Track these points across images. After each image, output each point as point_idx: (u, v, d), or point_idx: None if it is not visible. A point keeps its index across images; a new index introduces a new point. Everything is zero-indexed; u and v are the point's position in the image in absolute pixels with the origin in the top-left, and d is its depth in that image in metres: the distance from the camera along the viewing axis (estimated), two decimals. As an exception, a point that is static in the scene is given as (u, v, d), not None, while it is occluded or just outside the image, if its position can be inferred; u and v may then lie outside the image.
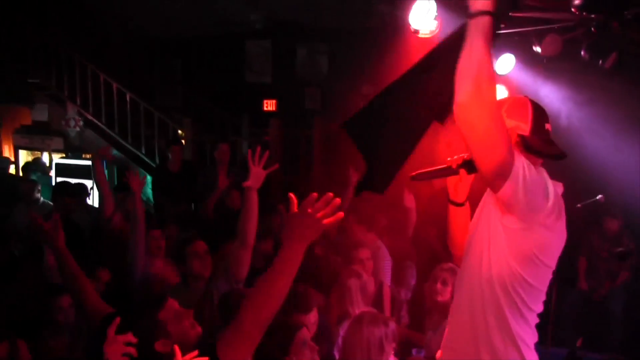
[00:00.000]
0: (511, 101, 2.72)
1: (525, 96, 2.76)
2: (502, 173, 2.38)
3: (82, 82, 12.07)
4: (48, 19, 12.35)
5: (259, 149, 4.38)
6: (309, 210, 2.58)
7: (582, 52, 6.23)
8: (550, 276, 2.70)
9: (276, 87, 13.01)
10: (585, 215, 6.66)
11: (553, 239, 2.62)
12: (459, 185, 3.03)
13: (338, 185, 7.42)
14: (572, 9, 4.91)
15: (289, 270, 2.67)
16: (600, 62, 6.09)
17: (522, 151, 2.58)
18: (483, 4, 2.26)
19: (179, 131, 11.52)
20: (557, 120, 6.84)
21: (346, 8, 10.67)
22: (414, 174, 2.97)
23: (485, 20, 2.26)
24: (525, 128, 2.64)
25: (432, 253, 6.69)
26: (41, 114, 12.74)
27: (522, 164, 2.40)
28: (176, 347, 2.61)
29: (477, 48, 2.24)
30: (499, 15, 2.43)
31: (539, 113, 2.69)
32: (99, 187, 6.43)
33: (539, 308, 2.72)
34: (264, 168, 4.38)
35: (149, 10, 12.26)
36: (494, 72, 2.31)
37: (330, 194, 2.60)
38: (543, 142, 2.65)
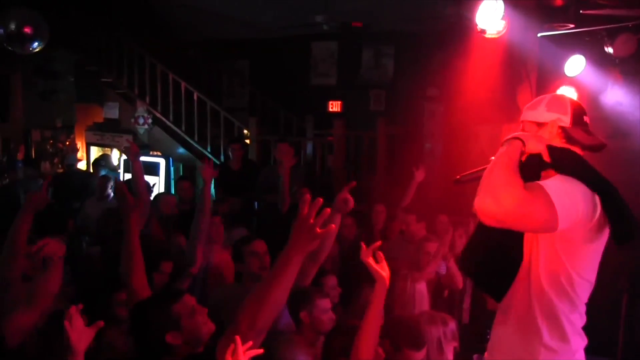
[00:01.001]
0: (550, 97, 2.81)
1: (563, 94, 2.94)
2: (550, 228, 2.43)
3: (152, 82, 12.17)
4: (120, 21, 12.54)
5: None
6: (306, 217, 2.60)
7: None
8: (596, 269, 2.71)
9: (341, 89, 12.88)
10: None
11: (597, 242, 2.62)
12: None
13: (401, 186, 7.25)
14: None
15: (285, 277, 2.68)
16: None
17: (563, 142, 2.68)
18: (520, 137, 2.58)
19: (245, 131, 11.45)
20: (633, 125, 6.43)
21: (412, 10, 10.47)
22: (457, 177, 2.91)
23: (512, 145, 2.57)
24: (566, 120, 2.71)
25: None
26: (112, 111, 12.98)
27: (560, 201, 2.38)
28: (237, 338, 2.55)
29: (492, 169, 2.48)
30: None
31: (578, 105, 2.78)
32: (135, 186, 5.73)
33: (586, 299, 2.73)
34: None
35: (216, 14, 12.30)
36: (512, 189, 2.38)
37: (320, 200, 2.64)
38: (584, 133, 2.71)
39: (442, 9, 8.48)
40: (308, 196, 2.64)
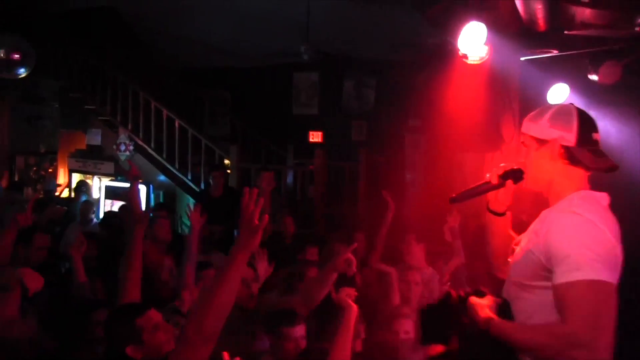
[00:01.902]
0: (555, 109, 2.45)
1: (571, 104, 2.48)
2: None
3: (134, 109, 11.98)
4: (104, 49, 12.46)
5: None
6: (249, 213, 2.51)
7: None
8: None
9: (323, 119, 12.75)
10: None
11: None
12: (501, 195, 2.72)
13: (380, 218, 7.00)
14: (637, 28, 4.32)
15: (229, 278, 2.58)
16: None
17: (565, 164, 2.40)
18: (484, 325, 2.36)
19: (225, 160, 11.21)
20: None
21: (393, 40, 10.33)
22: (453, 195, 2.67)
23: (494, 327, 2.35)
24: (570, 139, 2.38)
25: (479, 285, 6.11)
26: (95, 138, 12.91)
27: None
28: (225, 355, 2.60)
29: (517, 341, 2.30)
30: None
31: (586, 122, 2.40)
32: (132, 209, 5.71)
33: None
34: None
35: (199, 43, 12.21)
36: (548, 332, 2.23)
37: (255, 190, 2.53)
38: (590, 153, 2.39)
39: (423, 38, 8.32)
40: (253, 190, 2.54)
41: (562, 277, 2.20)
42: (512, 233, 2.74)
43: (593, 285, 2.14)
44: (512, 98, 6.66)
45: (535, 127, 2.45)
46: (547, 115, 2.42)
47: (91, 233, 6.92)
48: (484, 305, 2.42)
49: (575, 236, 2.21)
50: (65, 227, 8.43)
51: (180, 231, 9.94)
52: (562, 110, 2.43)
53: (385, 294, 5.29)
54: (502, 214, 2.73)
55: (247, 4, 10.67)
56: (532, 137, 2.46)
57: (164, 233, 6.29)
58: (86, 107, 12.61)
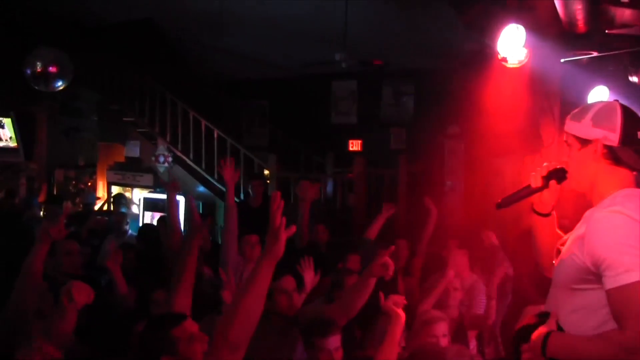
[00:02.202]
0: (598, 108, 2.37)
1: (616, 101, 2.40)
2: None
3: (173, 120, 12.20)
4: (143, 61, 12.67)
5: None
6: (276, 222, 2.55)
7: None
8: None
9: (361, 127, 12.86)
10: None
11: None
12: (545, 196, 2.65)
13: (422, 225, 7.05)
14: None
15: (255, 287, 2.63)
16: None
17: (609, 164, 2.33)
18: (542, 337, 2.28)
19: (265, 169, 11.33)
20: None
21: (430, 47, 10.39)
22: (499, 201, 2.61)
23: (551, 346, 2.26)
24: (613, 138, 2.30)
25: (524, 294, 6.10)
26: (134, 150, 13.09)
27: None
28: None
29: (577, 355, 2.24)
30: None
31: (631, 120, 2.32)
32: (171, 222, 5.89)
33: None
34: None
35: (237, 54, 12.41)
36: (610, 342, 2.16)
37: (279, 195, 2.60)
38: (635, 152, 2.31)
39: (461, 43, 8.36)
40: (279, 198, 2.60)
41: (613, 281, 2.14)
42: (560, 232, 2.69)
43: None
44: (552, 101, 6.68)
45: (578, 126, 2.38)
46: (590, 114, 2.36)
47: (128, 245, 7.05)
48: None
49: (620, 237, 2.15)
50: (103, 239, 8.58)
51: (220, 242, 10.06)
52: (606, 109, 2.36)
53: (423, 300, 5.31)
54: (547, 215, 2.69)
55: (284, 13, 10.84)
56: (574, 136, 2.41)
57: (203, 243, 6.37)
58: (124, 119, 12.84)
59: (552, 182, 2.57)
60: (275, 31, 11.66)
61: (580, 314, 2.28)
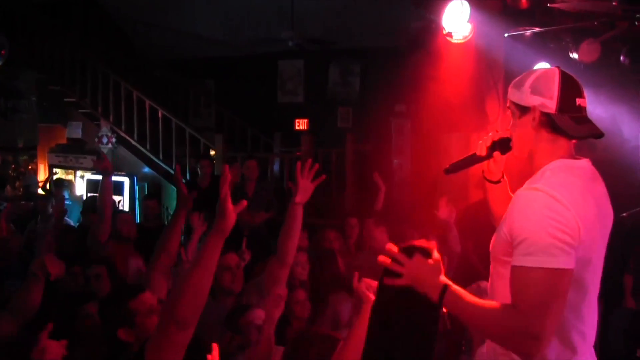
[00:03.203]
0: (537, 75, 2.39)
1: (557, 67, 2.41)
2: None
3: (116, 101, 12.10)
4: (85, 40, 12.55)
5: (309, 162, 4.03)
6: (223, 196, 2.51)
7: (622, 58, 5.93)
8: (596, 267, 2.38)
9: (308, 107, 12.96)
10: (632, 227, 6.24)
11: (583, 245, 2.24)
12: (492, 166, 2.74)
13: (370, 202, 7.24)
14: (614, 3, 4.63)
15: (204, 263, 2.54)
16: (642, 66, 5.80)
17: (548, 132, 2.34)
18: (434, 289, 2.25)
19: (211, 150, 11.39)
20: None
21: (377, 26, 10.56)
22: (447, 167, 2.71)
23: (450, 295, 2.25)
24: (550, 105, 2.31)
25: (470, 268, 6.30)
26: (75, 131, 12.88)
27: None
28: (215, 346, 2.58)
29: (468, 321, 2.35)
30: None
31: (569, 87, 2.34)
32: (101, 208, 5.46)
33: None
34: (312, 180, 4.00)
35: (181, 32, 12.40)
36: (504, 311, 2.21)
37: (227, 166, 2.59)
38: (572, 120, 2.33)
39: (407, 21, 8.56)
40: (228, 175, 2.55)
41: (518, 260, 2.20)
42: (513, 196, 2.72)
43: (547, 273, 2.13)
44: (496, 76, 6.91)
45: (518, 93, 2.40)
46: (529, 81, 2.37)
47: (67, 227, 7.10)
48: (435, 268, 2.30)
49: (533, 217, 2.19)
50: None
51: (167, 223, 10.10)
52: (545, 76, 2.37)
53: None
54: (497, 182, 2.77)
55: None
56: (515, 104, 2.43)
57: (127, 229, 6.09)
58: (66, 99, 12.66)
59: (496, 153, 2.64)
60: (222, 9, 11.72)
61: (503, 283, 2.31)
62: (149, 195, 9.55)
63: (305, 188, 3.96)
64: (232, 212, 2.50)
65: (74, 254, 5.46)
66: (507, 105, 2.49)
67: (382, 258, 2.31)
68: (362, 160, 10.49)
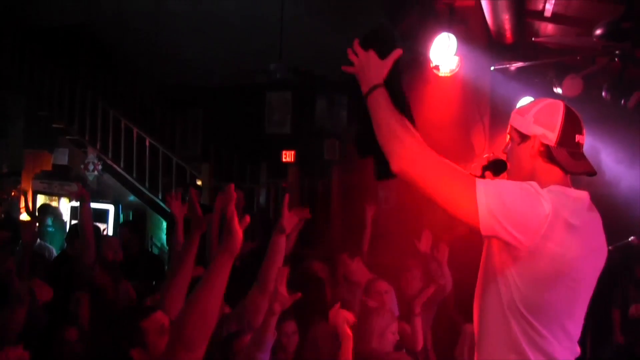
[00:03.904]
0: (543, 105, 2.47)
1: (562, 101, 2.50)
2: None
3: (104, 128, 12.19)
4: (75, 66, 12.65)
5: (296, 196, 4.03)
6: (230, 216, 2.49)
7: (604, 93, 6.11)
8: (580, 297, 2.42)
9: (295, 138, 13.09)
10: (619, 260, 6.37)
11: (565, 252, 2.29)
12: None
13: (356, 234, 7.29)
14: (594, 39, 4.81)
15: (212, 284, 2.53)
16: (623, 102, 5.96)
17: (545, 162, 2.42)
18: (368, 83, 2.45)
19: (197, 180, 11.46)
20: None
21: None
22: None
23: (377, 94, 2.42)
24: (551, 137, 2.39)
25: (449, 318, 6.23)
26: (62, 157, 12.83)
27: (484, 195, 2.22)
28: None
29: (381, 121, 2.40)
30: (392, 81, 2.44)
31: (571, 122, 2.42)
32: (83, 234, 5.42)
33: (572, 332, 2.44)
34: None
35: (171, 61, 12.56)
36: (408, 133, 2.36)
37: (232, 185, 2.61)
38: (570, 155, 2.41)
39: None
40: (234, 193, 2.57)
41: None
42: None
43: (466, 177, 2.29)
44: (483, 109, 7.06)
45: (522, 120, 2.48)
46: (534, 110, 2.45)
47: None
48: (380, 66, 2.49)
49: (513, 187, 2.29)
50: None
51: (151, 250, 10.14)
52: (549, 107, 2.45)
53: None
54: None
55: (220, 21, 11.07)
56: (516, 130, 2.50)
57: (112, 253, 6.00)
58: (54, 125, 12.70)
59: (488, 173, 2.70)
60: (211, 39, 11.89)
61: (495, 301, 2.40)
62: (123, 223, 9.59)
63: (289, 220, 3.99)
64: (239, 230, 2.49)
65: (59, 279, 5.46)
66: (508, 130, 2.57)
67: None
68: (348, 191, 10.53)
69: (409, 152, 2.31)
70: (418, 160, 2.31)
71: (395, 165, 2.32)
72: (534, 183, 2.31)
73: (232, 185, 2.62)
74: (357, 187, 10.78)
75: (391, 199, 10.90)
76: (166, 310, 3.42)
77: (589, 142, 2.52)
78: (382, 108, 2.41)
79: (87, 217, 5.44)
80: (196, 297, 2.54)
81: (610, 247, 6.23)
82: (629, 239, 6.35)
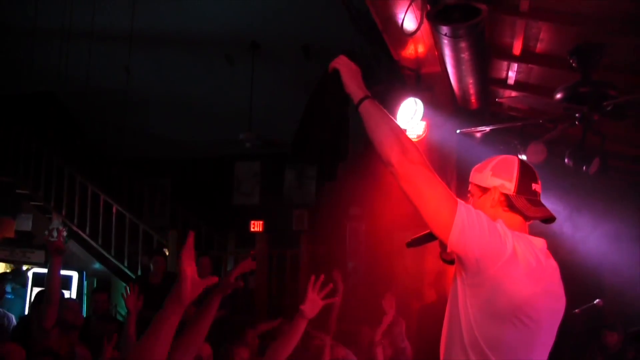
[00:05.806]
0: (499, 160, 2.69)
1: (515, 156, 2.74)
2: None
3: (70, 194, 12.23)
4: (42, 132, 12.73)
5: (322, 277, 3.81)
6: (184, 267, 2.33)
7: (566, 160, 6.34)
8: (539, 339, 2.49)
9: (264, 208, 13.20)
10: (585, 324, 6.51)
11: (521, 289, 2.40)
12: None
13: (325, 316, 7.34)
14: (555, 99, 5.07)
15: (159, 332, 2.34)
16: (585, 168, 6.18)
17: (505, 210, 2.58)
18: (357, 95, 2.58)
19: (164, 249, 11.47)
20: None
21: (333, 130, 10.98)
22: (408, 240, 2.89)
23: (366, 105, 2.54)
24: (509, 187, 2.58)
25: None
26: (25, 224, 12.69)
27: (464, 213, 2.36)
28: None
29: (374, 128, 2.49)
30: (379, 91, 2.60)
31: (526, 172, 2.63)
32: (49, 291, 5.19)
33: None
34: (324, 298, 3.79)
35: (139, 132, 12.77)
36: (402, 137, 2.47)
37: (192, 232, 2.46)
38: (528, 202, 2.59)
39: (362, 126, 8.95)
40: (192, 240, 2.42)
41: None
42: None
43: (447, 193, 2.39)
44: (450, 174, 7.23)
45: (480, 176, 2.67)
46: (491, 165, 2.65)
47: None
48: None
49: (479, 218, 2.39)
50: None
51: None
52: (505, 161, 2.65)
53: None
54: (452, 262, 2.83)
55: (189, 93, 11.34)
56: (476, 185, 2.68)
57: (72, 316, 5.90)
58: (17, 191, 12.63)
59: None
60: (179, 110, 12.13)
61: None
62: (99, 289, 9.53)
63: (313, 302, 3.76)
64: (189, 277, 2.32)
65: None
66: (469, 188, 2.74)
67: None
68: (316, 261, 10.61)
69: (409, 151, 2.42)
70: (418, 160, 2.42)
71: (395, 159, 2.41)
72: (500, 221, 2.46)
73: (192, 233, 2.44)
74: (326, 257, 10.90)
75: (361, 269, 11.02)
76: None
77: (554, 209, 2.72)
78: (382, 109, 2.54)
79: (56, 272, 5.21)
80: (142, 346, 2.36)
81: (576, 310, 6.39)
82: (594, 302, 6.51)
